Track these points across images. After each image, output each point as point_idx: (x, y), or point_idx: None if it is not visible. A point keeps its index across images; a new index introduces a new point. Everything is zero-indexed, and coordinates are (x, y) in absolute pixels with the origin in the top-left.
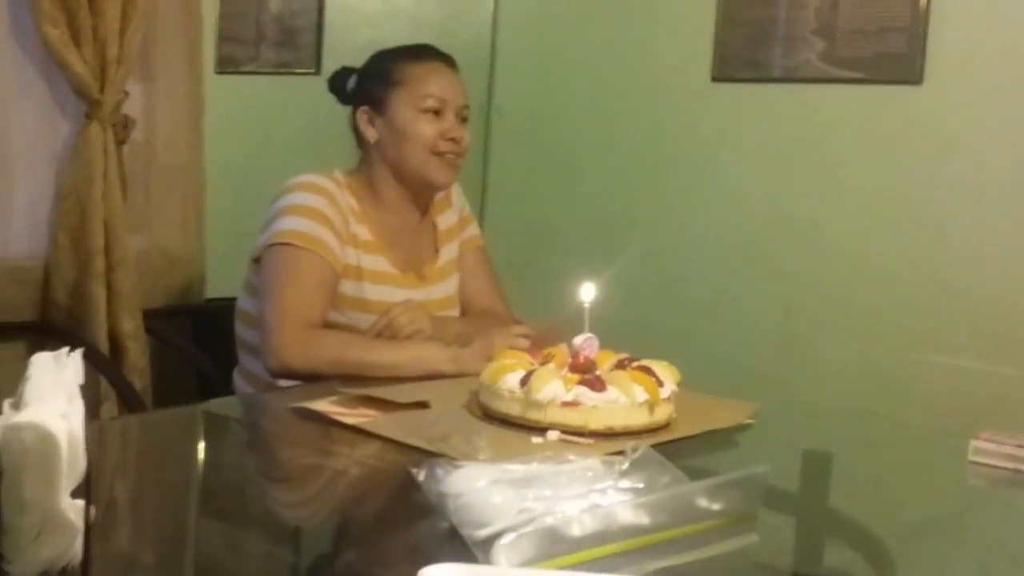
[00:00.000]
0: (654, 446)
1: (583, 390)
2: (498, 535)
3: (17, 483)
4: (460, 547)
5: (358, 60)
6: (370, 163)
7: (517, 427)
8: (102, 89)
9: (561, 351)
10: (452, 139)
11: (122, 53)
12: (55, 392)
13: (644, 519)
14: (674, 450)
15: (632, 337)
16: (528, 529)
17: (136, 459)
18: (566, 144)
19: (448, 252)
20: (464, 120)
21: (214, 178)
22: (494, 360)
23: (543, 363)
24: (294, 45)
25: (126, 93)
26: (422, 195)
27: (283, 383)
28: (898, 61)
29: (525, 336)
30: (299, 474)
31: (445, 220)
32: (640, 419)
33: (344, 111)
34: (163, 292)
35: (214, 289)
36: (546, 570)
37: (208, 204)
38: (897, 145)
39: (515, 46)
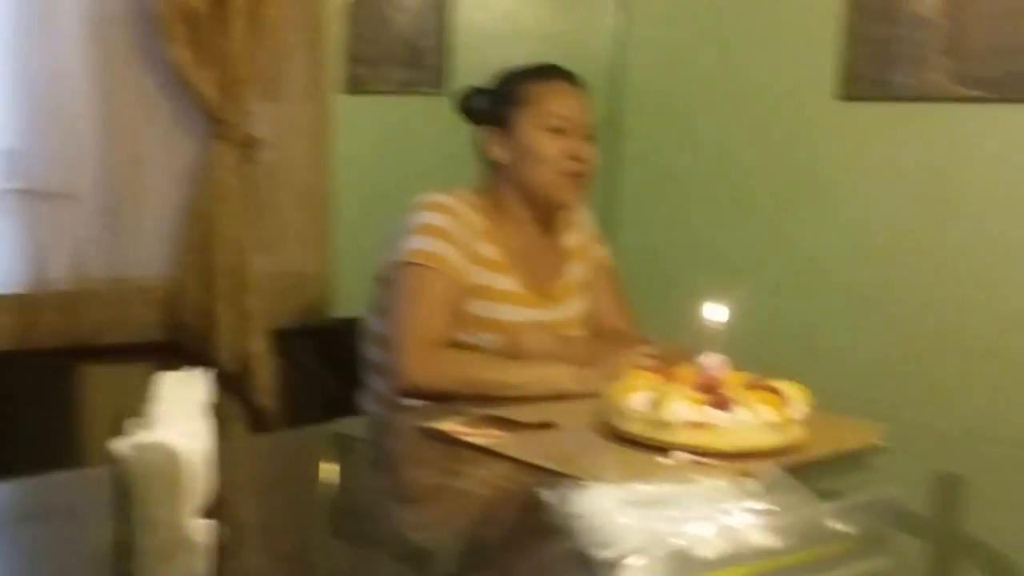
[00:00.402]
0: (785, 468)
1: (711, 410)
2: (626, 557)
3: (145, 503)
4: (588, 569)
5: (484, 80)
6: (496, 182)
7: (644, 447)
8: (229, 109)
9: (689, 371)
10: (577, 158)
11: (249, 73)
12: (183, 412)
13: (773, 541)
14: (803, 471)
15: (761, 357)
16: (657, 551)
17: (264, 479)
18: (693, 161)
19: (575, 271)
20: (590, 139)
21: (341, 198)
22: (621, 380)
23: (671, 383)
24: (420, 65)
25: (253, 113)
26: (548, 214)
27: (409, 403)
28: None
29: (652, 356)
30: (426, 495)
31: (572, 239)
32: (769, 440)
33: (470, 130)
34: (290, 312)
35: (341, 309)
36: None
37: (334, 224)
38: None
39: (642, 64)
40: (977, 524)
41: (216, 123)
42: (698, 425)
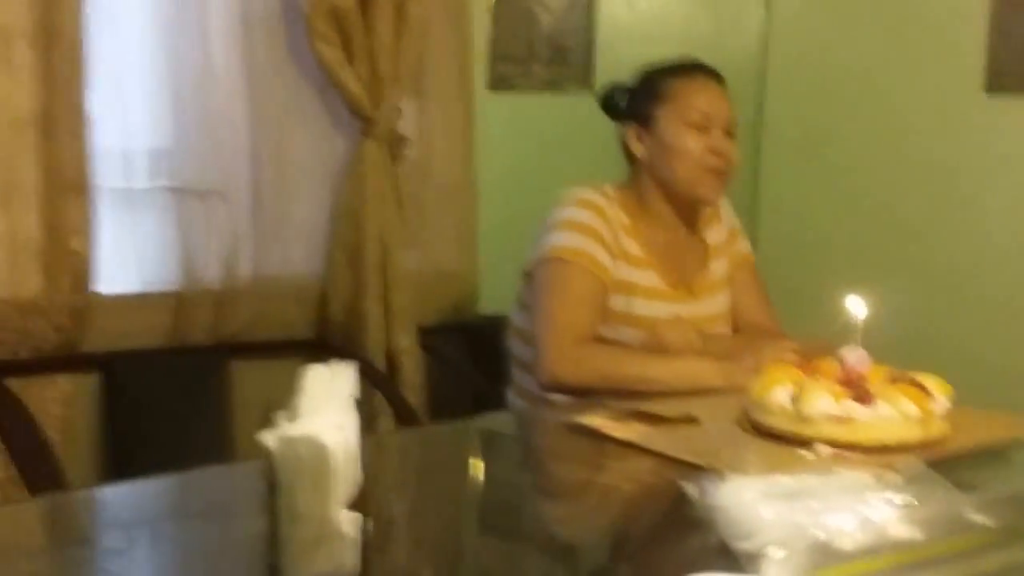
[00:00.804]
0: (926, 462)
1: (853, 405)
2: (767, 548)
3: (292, 495)
4: (731, 561)
5: (629, 77)
6: (639, 178)
7: (787, 442)
8: (376, 107)
9: (831, 366)
10: (719, 154)
11: (396, 71)
12: (329, 404)
13: (915, 533)
14: (947, 466)
15: (903, 352)
16: (799, 543)
17: (411, 473)
18: (838, 158)
19: (717, 267)
20: (731, 135)
21: (486, 195)
22: (763, 375)
23: (812, 378)
24: (565, 63)
25: (400, 111)
26: (690, 210)
27: (555, 398)
28: None
29: (794, 351)
30: (571, 490)
31: (714, 235)
32: (912, 434)
33: (613, 126)
34: (437, 308)
35: (487, 305)
36: None
37: (480, 220)
38: None
39: (786, 61)
40: None
41: (364, 121)
42: (840, 419)
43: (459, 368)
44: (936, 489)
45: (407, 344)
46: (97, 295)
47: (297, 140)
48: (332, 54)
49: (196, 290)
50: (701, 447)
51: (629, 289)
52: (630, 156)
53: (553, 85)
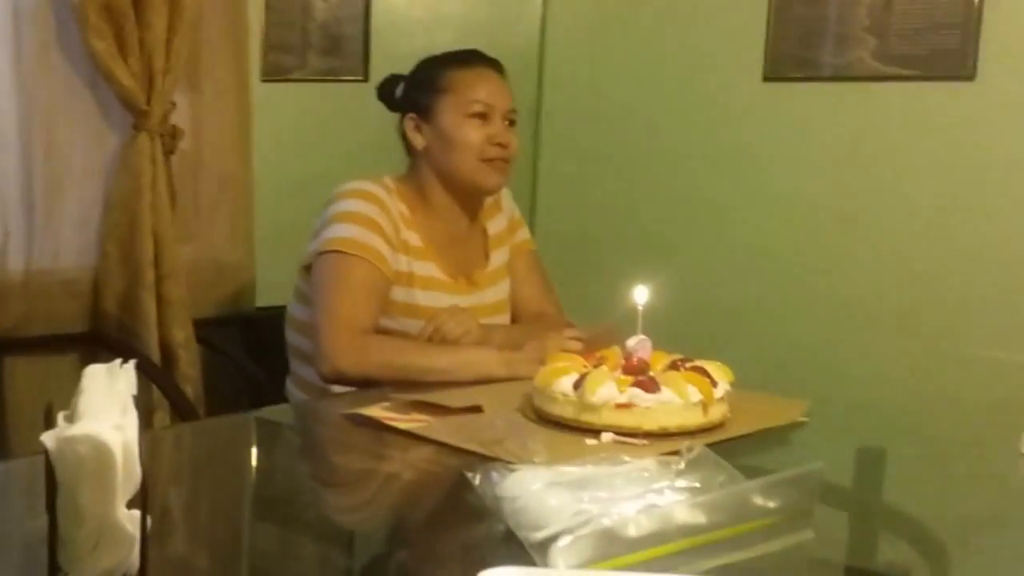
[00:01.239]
0: (709, 445)
1: (637, 392)
2: (555, 537)
3: (73, 495)
4: (517, 550)
5: (406, 67)
6: (419, 169)
7: (571, 429)
8: (149, 100)
9: (614, 353)
10: (500, 144)
11: (169, 64)
12: (109, 404)
13: (700, 518)
14: (728, 449)
15: (685, 338)
16: (585, 531)
17: (190, 467)
18: (616, 146)
19: (498, 257)
20: (512, 125)
21: (262, 186)
22: (547, 363)
23: (596, 366)
24: (341, 52)
25: (173, 104)
26: (471, 201)
27: (336, 389)
28: (951, 57)
29: (578, 339)
30: (353, 479)
31: (495, 225)
32: (694, 419)
33: (393, 118)
34: (213, 301)
35: (264, 297)
36: (603, 571)
37: (257, 212)
38: (950, 141)
39: (564, 50)
40: (898, 496)
41: (137, 114)
42: (624, 406)
43: (236, 361)
44: (719, 473)
45: (183, 337)
46: None
47: (69, 134)
48: (104, 47)
49: None
50: (485, 436)
51: (410, 280)
52: (410, 147)
53: (329, 75)
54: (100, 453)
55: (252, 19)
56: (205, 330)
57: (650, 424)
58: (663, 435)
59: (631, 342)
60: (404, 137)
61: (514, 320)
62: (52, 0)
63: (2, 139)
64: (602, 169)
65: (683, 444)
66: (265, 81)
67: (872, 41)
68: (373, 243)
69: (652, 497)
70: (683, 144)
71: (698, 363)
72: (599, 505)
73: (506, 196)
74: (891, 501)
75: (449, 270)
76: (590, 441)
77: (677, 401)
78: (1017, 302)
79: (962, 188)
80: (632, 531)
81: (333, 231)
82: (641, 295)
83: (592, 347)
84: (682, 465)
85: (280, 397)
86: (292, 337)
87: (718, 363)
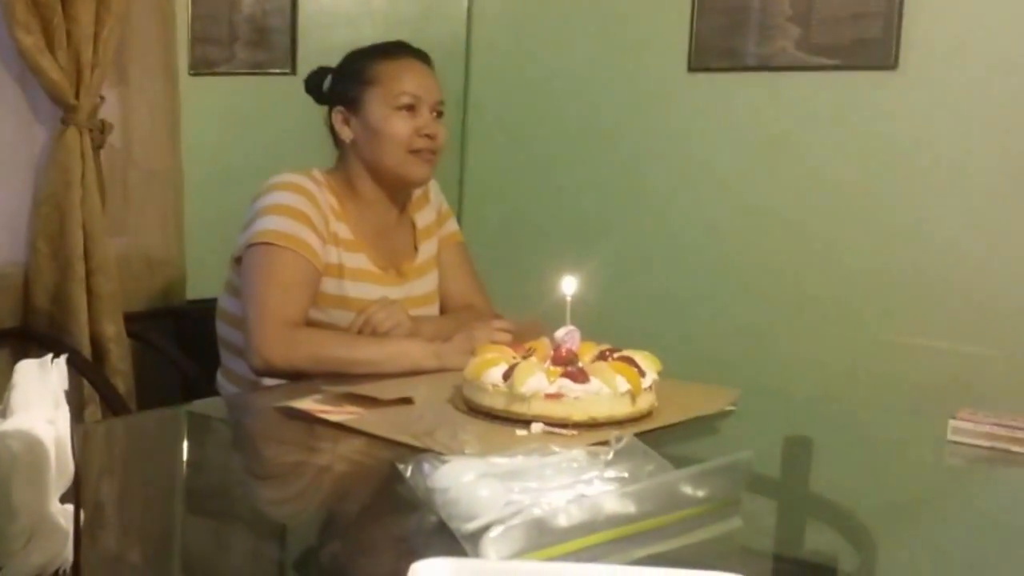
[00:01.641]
0: (637, 435)
1: (566, 382)
2: (486, 528)
3: (6, 490)
4: (448, 541)
5: (333, 59)
6: (347, 162)
7: (501, 420)
8: (77, 95)
9: (543, 344)
10: (427, 135)
11: (97, 57)
12: (41, 399)
13: (630, 508)
14: (657, 438)
15: (613, 328)
16: (516, 521)
17: (122, 461)
18: (543, 138)
19: (427, 249)
20: (439, 116)
21: (192, 180)
22: (476, 355)
23: (525, 356)
24: (268, 45)
25: (102, 98)
26: (399, 192)
27: (267, 382)
28: (873, 47)
29: (507, 330)
30: (285, 472)
31: (423, 217)
32: (623, 409)
33: (321, 110)
34: (144, 295)
35: (195, 290)
36: (535, 561)
37: (186, 206)
38: (872, 131)
39: (490, 41)
40: (826, 484)
41: (66, 108)
42: (553, 397)
43: (168, 354)
44: (647, 463)
45: (114, 331)
46: None
47: None
48: (32, 41)
49: None
50: (416, 428)
51: (340, 272)
52: (338, 140)
53: (257, 68)
54: (33, 448)
55: (179, 12)
56: (136, 324)
57: (579, 414)
58: (592, 425)
59: (559, 333)
60: (332, 130)
61: (443, 312)
62: None
63: None
64: (529, 160)
65: (612, 434)
66: (193, 75)
67: (795, 31)
68: (303, 235)
69: (582, 487)
70: (610, 134)
71: (626, 353)
72: (530, 496)
73: (434, 188)
74: (818, 489)
75: (379, 262)
76: (520, 432)
77: (606, 391)
78: (943, 289)
79: (886, 176)
80: (562, 521)
81: (262, 223)
82: (569, 286)
83: (521, 338)
84: (611, 455)
85: (211, 390)
86: (223, 330)
87: (646, 353)
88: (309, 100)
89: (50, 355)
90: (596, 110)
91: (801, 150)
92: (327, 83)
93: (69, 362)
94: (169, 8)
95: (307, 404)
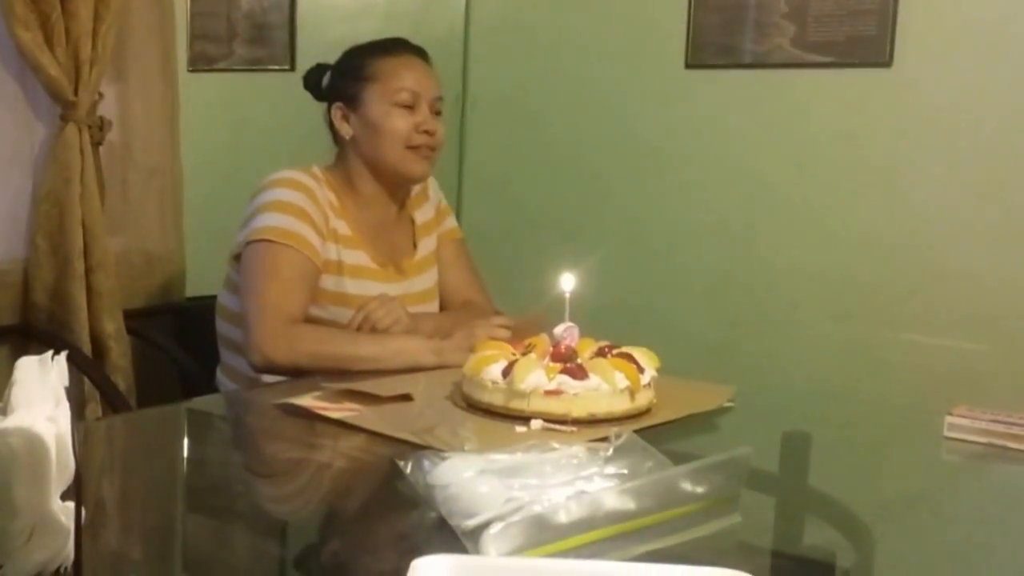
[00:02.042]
0: (636, 431)
1: (565, 378)
2: (486, 525)
3: (7, 488)
4: (448, 537)
5: (332, 56)
6: (346, 158)
7: (501, 417)
8: (76, 91)
9: (542, 340)
10: (426, 132)
11: (96, 54)
12: (42, 396)
13: (629, 504)
14: (656, 435)
15: (612, 324)
16: (516, 518)
17: (123, 459)
18: (542, 134)
19: (426, 246)
20: (438, 113)
21: (191, 176)
22: (476, 351)
23: (525, 353)
24: (267, 42)
25: (101, 94)
26: (398, 189)
27: (266, 379)
28: (868, 44)
29: (506, 327)
30: (285, 469)
31: (423, 214)
32: (622, 405)
33: (319, 107)
34: (144, 292)
35: (194, 287)
36: (534, 558)
37: (185, 202)
38: (868, 127)
39: (488, 38)
40: (824, 480)
41: (65, 105)
42: (553, 393)
43: (167, 351)
44: (647, 459)
45: (114, 328)
46: None
47: None
48: (30, 38)
49: None
50: (416, 425)
51: (339, 269)
52: (337, 136)
53: (255, 64)
54: (33, 446)
55: (178, 9)
56: (136, 321)
57: (578, 411)
58: (591, 422)
59: (558, 329)
60: (331, 126)
61: (442, 308)
62: None
63: None
64: (528, 156)
65: (611, 431)
66: (191, 71)
67: (791, 28)
68: (302, 232)
69: (581, 484)
70: (608, 130)
71: (625, 349)
72: (529, 492)
73: (433, 185)
74: (816, 485)
75: (378, 259)
76: (519, 428)
77: (605, 387)
78: (939, 286)
79: (880, 173)
80: (562, 518)
81: (262, 220)
82: (568, 282)
83: (520, 335)
84: (610, 451)
85: (211, 387)
86: (222, 327)
87: (645, 349)
88: (308, 96)
89: (50, 352)
90: (594, 106)
91: (798, 145)
92: (326, 79)
93: (69, 359)
94: (168, 5)
95: (307, 401)
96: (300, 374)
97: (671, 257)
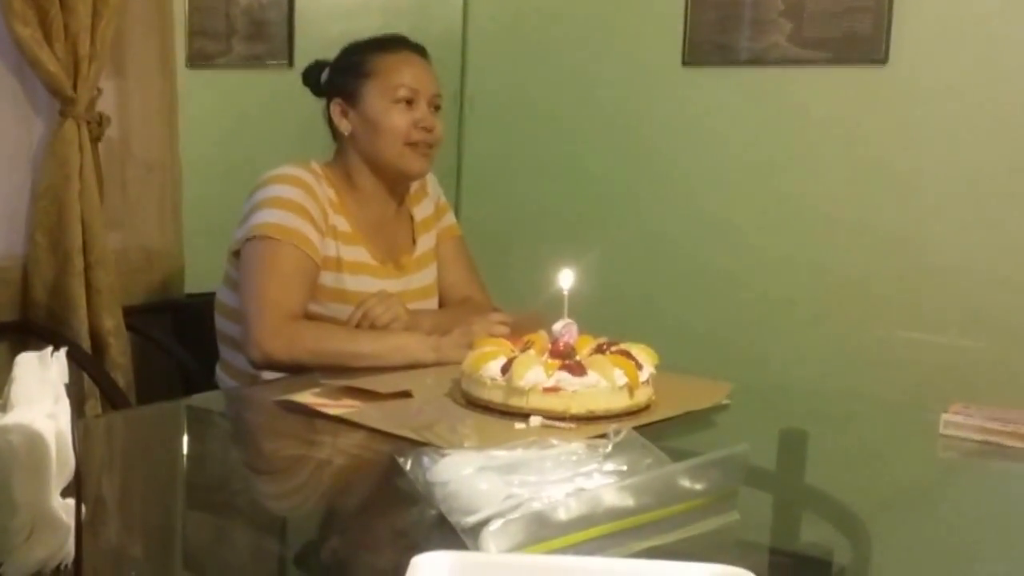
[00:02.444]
0: (635, 428)
1: (564, 375)
2: (486, 521)
3: (7, 485)
4: (448, 534)
5: (330, 52)
6: (345, 155)
7: (500, 414)
8: (75, 87)
9: (541, 337)
10: (425, 128)
11: (94, 50)
12: (41, 393)
13: (628, 501)
14: (654, 432)
15: (610, 321)
16: (515, 515)
17: (123, 455)
18: (539, 132)
19: (425, 242)
20: (437, 109)
21: (189, 173)
22: (475, 348)
23: (524, 350)
24: (265, 38)
25: (99, 90)
26: (397, 185)
27: (266, 375)
28: (863, 41)
29: (505, 323)
30: (284, 465)
31: (421, 211)
32: (620, 402)
33: (318, 103)
34: (143, 288)
35: (193, 284)
36: (534, 555)
37: (184, 199)
38: (864, 124)
39: (486, 35)
40: (821, 477)
41: (63, 101)
42: (552, 390)
43: (166, 348)
44: (645, 456)
45: (113, 325)
46: None
47: None
48: (29, 33)
49: None
50: (415, 421)
51: (339, 265)
52: (336, 133)
53: (254, 60)
54: (33, 443)
55: (176, 5)
56: (135, 317)
57: (577, 407)
58: (590, 418)
59: (557, 326)
60: (330, 122)
61: (441, 305)
62: None
63: None
64: (526, 154)
65: (610, 427)
66: (190, 67)
67: (787, 26)
68: (301, 228)
69: (581, 480)
70: (605, 127)
71: (623, 346)
72: (529, 489)
73: (432, 182)
74: (814, 482)
75: (377, 255)
76: (519, 425)
77: (603, 384)
78: (935, 284)
79: (876, 170)
80: (562, 515)
81: (261, 217)
82: (566, 279)
83: (519, 331)
84: (609, 448)
85: (210, 384)
86: (221, 323)
87: (643, 346)
88: (307, 93)
89: (50, 348)
90: (591, 103)
91: (794, 142)
92: (325, 76)
93: (68, 355)
94: (166, 1)
95: (306, 398)
96: (299, 371)
97: (669, 253)
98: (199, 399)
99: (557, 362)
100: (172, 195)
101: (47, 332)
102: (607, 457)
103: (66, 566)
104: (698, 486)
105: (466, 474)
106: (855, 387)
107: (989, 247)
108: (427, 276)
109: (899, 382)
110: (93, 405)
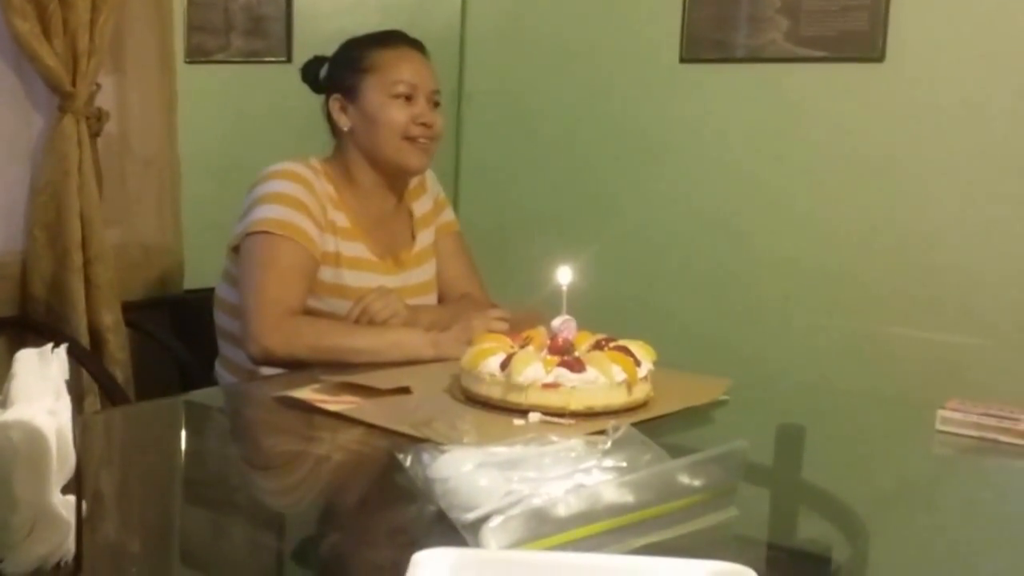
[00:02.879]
0: (634, 424)
1: (563, 371)
2: (486, 518)
3: (8, 482)
4: (448, 531)
5: (329, 48)
6: (344, 150)
7: (499, 410)
8: (74, 82)
9: (540, 334)
10: (424, 124)
11: (93, 45)
12: (42, 389)
13: (628, 497)
14: (653, 428)
15: (609, 317)
16: (515, 511)
17: (122, 452)
18: (537, 128)
19: (424, 238)
20: (436, 105)
21: (188, 168)
22: (474, 344)
23: (522, 346)
24: (264, 34)
25: (98, 85)
26: (396, 181)
27: (265, 371)
28: (860, 39)
29: (503, 319)
30: (283, 461)
31: (421, 206)
32: (619, 399)
33: (317, 99)
34: (142, 284)
35: (192, 279)
36: (534, 551)
37: (183, 194)
38: (860, 121)
39: (485, 31)
40: (819, 473)
41: (62, 96)
42: (550, 386)
43: (165, 343)
44: (644, 452)
45: (112, 321)
46: None
47: None
48: (28, 28)
49: None
50: (414, 418)
51: (338, 261)
52: (335, 128)
53: (253, 56)
54: (34, 439)
55: (175, 1)
56: (134, 313)
57: (576, 404)
58: (589, 415)
59: (556, 322)
60: (329, 118)
61: (440, 301)
62: None
63: None
64: (524, 149)
65: (609, 423)
66: (189, 63)
67: (784, 23)
68: (300, 224)
69: (580, 477)
70: (603, 125)
71: (622, 342)
72: (528, 485)
73: (431, 177)
74: (811, 478)
75: (376, 250)
76: (518, 421)
77: (602, 380)
78: (931, 280)
79: (872, 167)
80: (561, 511)
81: (260, 212)
82: (565, 275)
83: (517, 328)
84: (608, 444)
85: (209, 379)
86: (220, 319)
87: (641, 342)
88: (305, 88)
89: (50, 344)
90: (589, 100)
91: (791, 139)
92: (324, 71)
93: (67, 351)
94: None
95: (305, 394)
96: (298, 366)
97: (667, 250)
98: (198, 395)
99: (556, 358)
100: (171, 191)
101: (46, 328)
102: (606, 453)
103: (66, 562)
104: (697, 482)
105: (465, 470)
106: (852, 383)
107: (985, 244)
108: (426, 272)
109: (896, 378)
110: (92, 401)
